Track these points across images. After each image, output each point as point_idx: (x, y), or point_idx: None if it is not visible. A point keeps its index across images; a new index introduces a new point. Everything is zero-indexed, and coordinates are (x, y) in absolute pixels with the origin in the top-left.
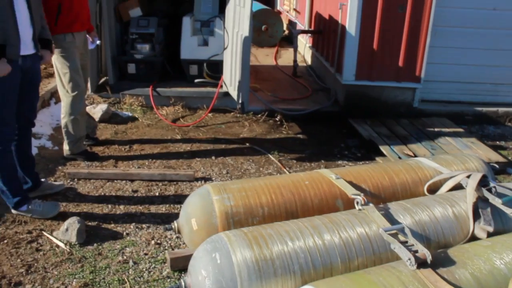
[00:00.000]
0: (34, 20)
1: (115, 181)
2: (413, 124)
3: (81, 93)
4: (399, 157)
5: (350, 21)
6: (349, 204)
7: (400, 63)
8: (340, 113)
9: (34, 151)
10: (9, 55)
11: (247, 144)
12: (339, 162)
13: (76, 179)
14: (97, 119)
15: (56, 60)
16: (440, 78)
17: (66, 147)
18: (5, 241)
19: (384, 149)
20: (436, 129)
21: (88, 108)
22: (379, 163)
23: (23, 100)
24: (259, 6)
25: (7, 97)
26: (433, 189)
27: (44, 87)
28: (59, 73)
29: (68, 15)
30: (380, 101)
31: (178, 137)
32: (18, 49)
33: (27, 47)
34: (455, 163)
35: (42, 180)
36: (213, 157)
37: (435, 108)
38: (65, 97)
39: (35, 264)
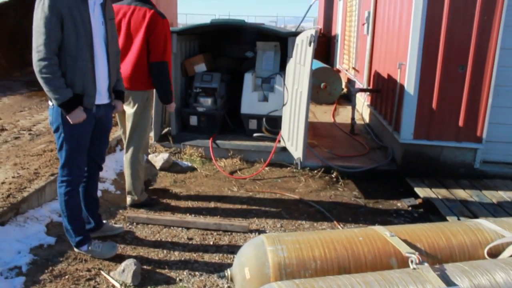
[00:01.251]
0: (111, 73)
1: (172, 227)
2: (474, 186)
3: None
4: (458, 219)
5: (408, 80)
6: (403, 262)
7: (460, 123)
8: (397, 171)
9: (98, 194)
10: (85, 104)
11: (303, 199)
12: (395, 221)
13: (135, 223)
14: (158, 167)
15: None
16: (503, 139)
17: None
18: (66, 276)
19: (442, 210)
20: (499, 192)
21: (150, 157)
22: (436, 223)
23: (94, 145)
24: (319, 64)
25: (80, 141)
26: (494, 253)
27: (112, 135)
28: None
29: None
30: (438, 160)
31: (235, 189)
32: (94, 99)
33: (102, 97)
34: None
35: (104, 221)
36: (268, 211)
37: (498, 170)
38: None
39: None
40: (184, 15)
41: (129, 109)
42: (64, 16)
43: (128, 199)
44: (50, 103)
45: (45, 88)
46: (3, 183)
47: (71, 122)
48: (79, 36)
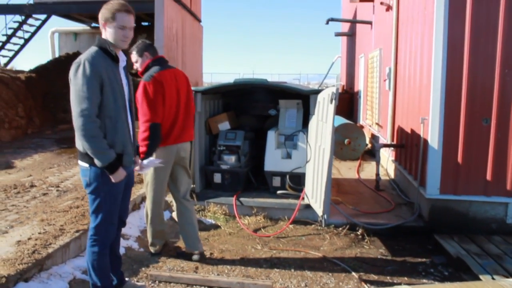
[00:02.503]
0: (134, 131)
1: (194, 286)
2: (507, 242)
3: None
4: (492, 278)
5: (432, 134)
6: None
7: (488, 177)
8: (425, 228)
9: (122, 251)
10: (125, 163)
11: (327, 257)
12: (424, 280)
13: (157, 281)
14: None
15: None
16: None
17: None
18: None
19: (474, 268)
20: None
21: (174, 214)
22: (469, 282)
23: (121, 201)
24: (342, 120)
25: (117, 199)
26: None
27: (136, 191)
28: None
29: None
30: (468, 216)
31: (259, 247)
32: (132, 157)
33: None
34: None
35: (126, 279)
36: (292, 269)
37: None
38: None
39: None
40: (209, 74)
41: None
42: (104, 80)
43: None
44: (84, 164)
45: (90, 150)
46: (29, 239)
47: (114, 181)
48: (116, 98)
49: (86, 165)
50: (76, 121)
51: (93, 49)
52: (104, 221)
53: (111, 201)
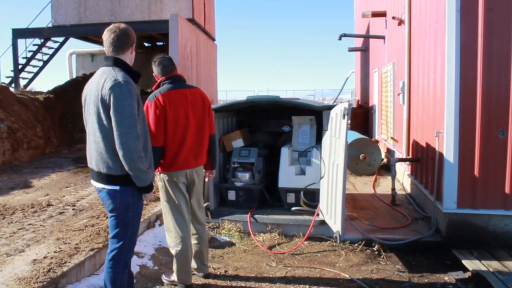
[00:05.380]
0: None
1: None
2: None
3: None
4: None
5: (447, 148)
6: None
7: (507, 190)
8: (443, 243)
9: (136, 269)
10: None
11: (343, 274)
12: None
13: None
14: None
15: None
16: None
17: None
18: None
19: (495, 284)
20: None
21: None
22: None
23: None
24: (357, 135)
25: (140, 217)
26: None
27: (151, 209)
28: None
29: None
30: (487, 230)
31: (273, 264)
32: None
33: None
34: None
35: None
36: (307, 286)
37: None
38: None
39: None
40: (224, 91)
41: None
42: (138, 101)
43: None
44: (113, 187)
45: (137, 171)
46: (45, 257)
47: (147, 199)
48: (144, 119)
49: (116, 187)
50: (125, 141)
51: (118, 69)
52: (130, 240)
53: (138, 220)
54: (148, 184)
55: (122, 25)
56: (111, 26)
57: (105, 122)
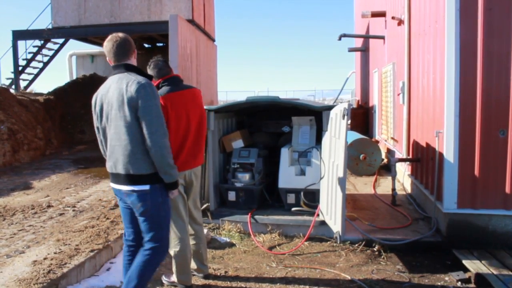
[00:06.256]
0: None
1: None
2: None
3: None
4: None
5: (447, 148)
6: None
7: (507, 190)
8: (443, 243)
9: None
10: None
11: (343, 274)
12: None
13: None
14: None
15: None
16: None
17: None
18: None
19: (496, 284)
20: None
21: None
22: None
23: None
24: (357, 135)
25: (170, 215)
26: None
27: None
28: None
29: None
30: (487, 230)
31: (274, 264)
32: None
33: None
34: None
35: None
36: (308, 287)
37: None
38: None
39: None
40: (224, 92)
41: None
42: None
43: None
44: (144, 187)
45: (167, 167)
46: (45, 258)
47: (173, 196)
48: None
49: (146, 186)
50: (155, 139)
51: (134, 74)
52: (166, 239)
53: (169, 218)
54: (176, 179)
55: (121, 34)
56: (111, 36)
57: (132, 124)
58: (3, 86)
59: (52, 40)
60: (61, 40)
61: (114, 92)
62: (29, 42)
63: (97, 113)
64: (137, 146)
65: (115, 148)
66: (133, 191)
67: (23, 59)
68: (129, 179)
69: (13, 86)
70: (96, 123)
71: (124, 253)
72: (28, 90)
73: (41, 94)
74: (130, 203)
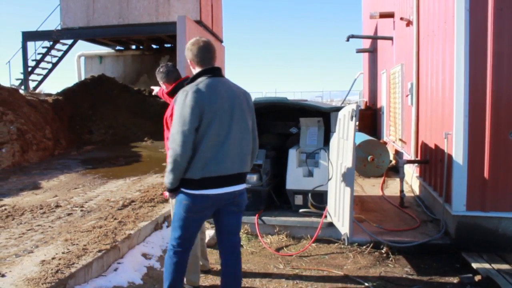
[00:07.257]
0: None
1: None
2: None
3: None
4: None
5: (456, 149)
6: None
7: None
8: (452, 246)
9: (143, 270)
10: None
11: (351, 276)
12: None
13: None
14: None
15: None
16: None
17: None
18: None
19: None
20: None
21: None
22: None
23: None
24: (365, 137)
25: None
26: None
27: (159, 211)
28: None
29: None
30: (497, 233)
31: (281, 266)
32: None
33: None
34: None
35: None
36: None
37: None
38: None
39: None
40: None
41: None
42: None
43: None
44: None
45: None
46: (53, 258)
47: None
48: None
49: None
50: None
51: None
52: None
53: None
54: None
55: (203, 38)
56: (197, 40)
57: (251, 126)
58: (13, 87)
59: (61, 41)
60: (70, 41)
61: (237, 95)
62: (39, 43)
63: (213, 111)
64: (251, 146)
65: (236, 148)
66: (244, 188)
67: (33, 60)
68: (245, 177)
69: (23, 87)
70: (194, 123)
71: (181, 262)
72: (37, 91)
73: (50, 95)
74: (242, 201)
